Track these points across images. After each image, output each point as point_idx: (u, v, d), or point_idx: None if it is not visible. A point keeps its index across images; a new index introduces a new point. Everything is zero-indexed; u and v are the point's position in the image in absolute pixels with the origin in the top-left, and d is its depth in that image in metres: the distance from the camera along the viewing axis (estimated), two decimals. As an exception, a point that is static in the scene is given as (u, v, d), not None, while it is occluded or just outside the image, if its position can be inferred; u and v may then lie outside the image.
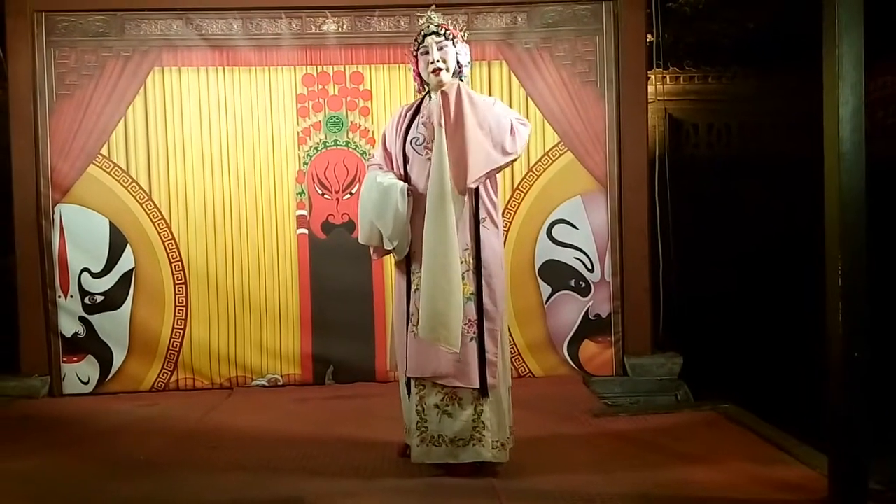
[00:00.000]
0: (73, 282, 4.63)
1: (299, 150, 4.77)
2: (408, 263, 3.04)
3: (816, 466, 2.89)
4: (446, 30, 3.00)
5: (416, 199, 2.97)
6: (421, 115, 3.06)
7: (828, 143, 2.48)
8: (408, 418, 3.11)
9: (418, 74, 3.06)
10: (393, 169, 3.11)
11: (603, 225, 4.76)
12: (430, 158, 2.94)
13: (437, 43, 2.96)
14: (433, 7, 3.08)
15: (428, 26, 3.00)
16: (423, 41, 3.00)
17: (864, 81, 2.44)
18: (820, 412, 2.61)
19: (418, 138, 3.02)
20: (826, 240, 2.51)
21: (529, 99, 4.76)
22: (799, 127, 5.49)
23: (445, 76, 2.97)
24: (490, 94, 4.73)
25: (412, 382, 3.00)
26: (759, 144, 6.13)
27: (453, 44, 3.00)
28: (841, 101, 2.42)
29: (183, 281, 4.72)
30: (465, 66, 3.05)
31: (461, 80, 3.02)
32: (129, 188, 4.69)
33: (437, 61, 2.95)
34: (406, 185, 2.98)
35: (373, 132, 4.74)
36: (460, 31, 3.10)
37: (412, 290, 3.00)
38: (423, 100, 3.10)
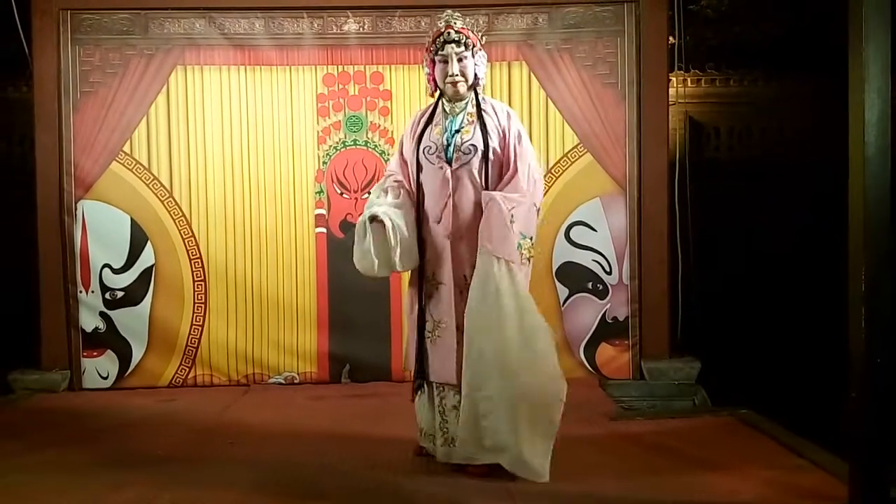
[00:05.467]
0: (94, 277, 4.68)
1: (319, 149, 4.79)
2: (421, 269, 3.04)
3: (836, 473, 2.86)
4: (467, 37, 2.97)
5: (429, 209, 3.00)
6: (434, 122, 3.05)
7: (853, 147, 2.45)
8: (424, 420, 3.13)
9: (433, 78, 3.04)
10: (408, 178, 3.10)
11: (622, 227, 4.74)
12: (441, 167, 2.96)
13: (457, 54, 2.94)
14: (451, 12, 3.05)
15: (448, 32, 2.96)
16: (442, 48, 2.96)
17: (891, 85, 2.42)
18: (840, 418, 2.58)
19: (430, 147, 3.00)
20: (849, 244, 2.48)
21: (549, 100, 4.75)
22: (822, 131, 5.45)
23: (462, 87, 2.98)
24: (510, 95, 4.75)
25: (433, 386, 3.03)
26: (780, 148, 6.06)
27: (472, 54, 2.98)
28: (866, 105, 2.39)
29: (202, 278, 4.75)
30: (482, 78, 3.04)
31: (476, 90, 3.04)
32: (150, 185, 4.73)
33: (457, 74, 2.95)
34: (371, 215, 2.95)
35: (392, 132, 4.75)
36: (479, 35, 3.07)
37: (425, 296, 3.01)
38: (436, 106, 3.10)
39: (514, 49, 4.75)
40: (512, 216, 2.87)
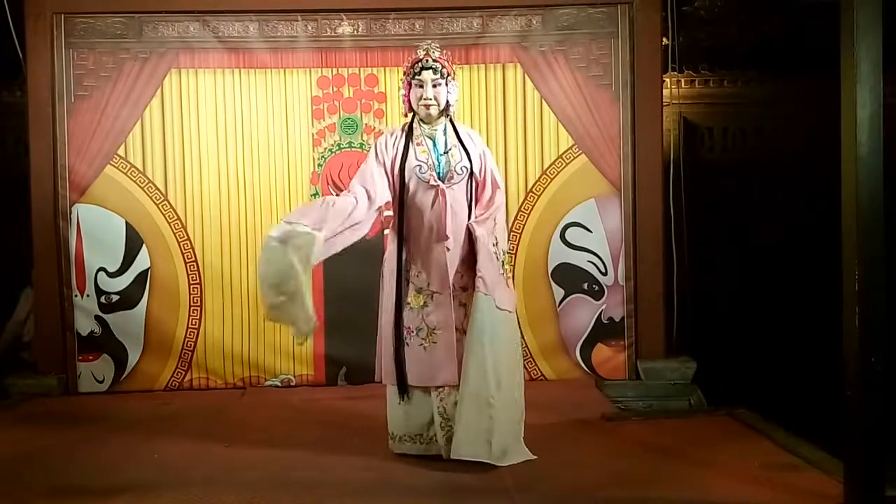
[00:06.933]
0: (89, 281, 4.67)
1: (314, 151, 4.79)
2: (406, 280, 3.20)
3: (832, 472, 2.87)
4: (443, 66, 3.22)
5: (419, 225, 3.18)
6: (415, 142, 3.24)
7: (845, 146, 2.47)
8: (408, 426, 3.24)
9: (408, 100, 3.27)
10: (375, 195, 3.18)
11: (617, 228, 4.75)
12: (435, 185, 3.16)
13: (432, 80, 3.19)
14: (430, 42, 3.30)
15: (426, 60, 3.20)
16: (419, 73, 3.20)
17: (882, 85, 2.43)
18: (836, 417, 2.59)
19: (422, 166, 3.20)
20: (843, 243, 2.49)
21: (544, 102, 4.76)
22: (816, 131, 5.47)
23: (434, 111, 3.22)
24: (505, 97, 4.77)
25: (428, 389, 3.17)
26: (774, 149, 6.09)
27: (446, 82, 3.22)
28: (859, 105, 2.41)
29: (198, 281, 4.75)
30: (453, 104, 3.29)
31: (448, 115, 3.27)
32: (145, 189, 4.73)
33: (430, 98, 3.19)
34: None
35: (387, 134, 4.76)
36: (453, 66, 3.30)
37: (416, 305, 3.19)
38: (411, 125, 3.29)
39: (509, 51, 4.76)
40: (496, 248, 3.17)
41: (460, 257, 3.18)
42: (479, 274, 3.08)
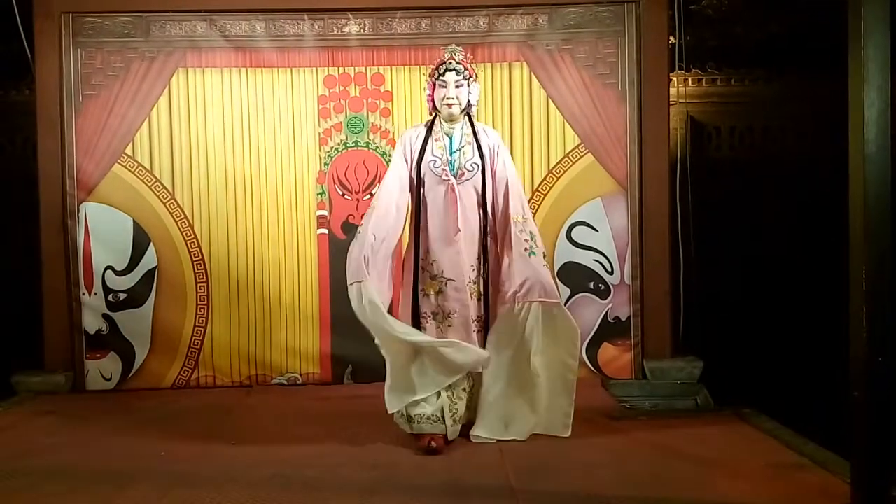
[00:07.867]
0: (96, 279, 4.69)
1: (320, 150, 4.80)
2: (420, 269, 3.41)
3: (838, 472, 2.86)
4: (465, 69, 3.45)
5: (433, 216, 3.41)
6: (434, 137, 3.47)
7: (853, 145, 2.46)
8: (422, 406, 3.34)
9: (432, 99, 3.49)
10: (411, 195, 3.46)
11: (623, 227, 4.74)
12: (448, 180, 3.39)
13: (455, 81, 3.42)
14: (454, 46, 3.52)
15: (450, 62, 3.43)
16: (444, 74, 3.42)
17: (890, 84, 2.42)
18: (842, 417, 2.58)
19: (435, 161, 3.43)
20: (850, 242, 2.48)
21: (550, 101, 4.75)
22: (823, 130, 5.46)
23: (456, 110, 3.45)
24: (511, 96, 4.77)
25: None
26: (781, 147, 6.07)
27: (468, 84, 3.45)
28: (866, 104, 2.39)
29: (204, 279, 4.77)
30: (474, 104, 3.54)
31: (470, 115, 3.50)
32: (152, 187, 4.75)
33: (452, 98, 3.42)
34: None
35: (393, 133, 4.76)
36: (475, 69, 3.53)
37: (433, 293, 3.41)
38: (432, 124, 3.51)
39: (515, 50, 4.76)
40: (530, 243, 3.41)
41: (470, 246, 3.41)
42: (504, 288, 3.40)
